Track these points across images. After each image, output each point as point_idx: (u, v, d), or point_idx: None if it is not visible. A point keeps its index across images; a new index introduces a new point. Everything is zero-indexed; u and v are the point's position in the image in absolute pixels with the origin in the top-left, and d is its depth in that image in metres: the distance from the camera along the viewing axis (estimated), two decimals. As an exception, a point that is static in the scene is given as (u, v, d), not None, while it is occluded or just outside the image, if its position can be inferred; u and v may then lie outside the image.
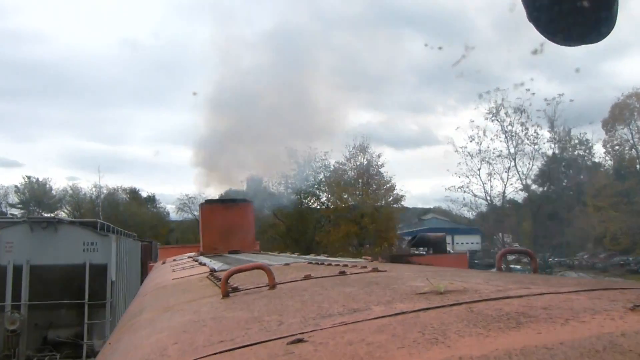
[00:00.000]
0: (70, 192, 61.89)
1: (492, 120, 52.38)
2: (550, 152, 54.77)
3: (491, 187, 54.40)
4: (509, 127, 51.97)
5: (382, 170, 49.03)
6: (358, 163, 48.83)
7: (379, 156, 49.21)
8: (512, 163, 52.88)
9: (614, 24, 2.30)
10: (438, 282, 2.17)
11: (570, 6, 2.23)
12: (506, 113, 51.84)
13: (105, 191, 60.39)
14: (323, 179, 50.06)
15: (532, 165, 50.48)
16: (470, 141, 53.09)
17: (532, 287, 2.02)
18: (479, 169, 53.46)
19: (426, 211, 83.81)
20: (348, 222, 45.00)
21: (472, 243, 65.04)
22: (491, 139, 52.23)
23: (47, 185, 61.27)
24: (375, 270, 3.45)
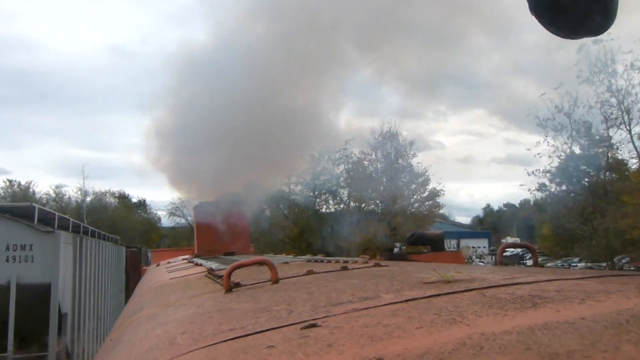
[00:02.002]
0: (54, 195, 58.16)
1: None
2: (567, 149, 51.69)
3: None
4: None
5: (415, 161, 42.06)
6: (385, 153, 42.22)
7: (410, 144, 41.85)
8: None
9: (615, 16, 2.32)
10: (445, 272, 2.17)
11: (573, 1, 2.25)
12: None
13: (91, 194, 57.23)
14: (343, 173, 43.73)
15: (552, 162, 47.54)
16: None
17: (539, 276, 2.02)
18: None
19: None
20: (375, 223, 38.83)
21: (479, 247, 62.31)
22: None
23: (30, 190, 57.36)
24: (378, 265, 3.44)
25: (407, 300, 1.69)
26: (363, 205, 42.28)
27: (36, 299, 9.23)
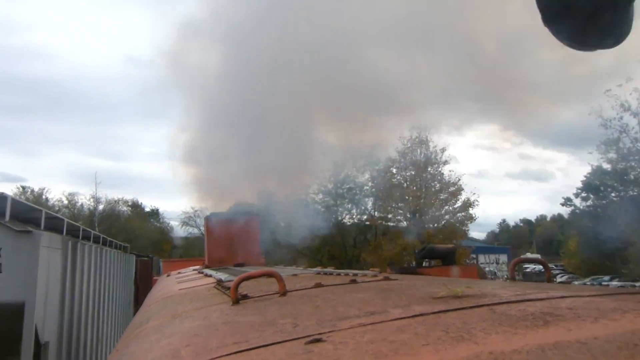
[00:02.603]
0: (66, 202, 56.74)
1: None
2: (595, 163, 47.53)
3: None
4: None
5: (447, 169, 39.16)
6: (415, 159, 38.97)
7: (442, 151, 38.56)
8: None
9: (630, 29, 2.27)
10: (454, 287, 2.13)
11: (586, 10, 2.21)
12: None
13: (104, 202, 56.09)
14: (369, 181, 40.41)
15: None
16: None
17: (551, 292, 1.97)
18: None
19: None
20: (404, 235, 35.77)
21: (497, 263, 59.11)
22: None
23: (43, 197, 56.15)
24: (387, 279, 3.40)
25: (414, 316, 1.65)
26: (390, 215, 39.77)
27: (4, 324, 6.82)
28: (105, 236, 13.73)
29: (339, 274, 4.45)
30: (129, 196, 62.81)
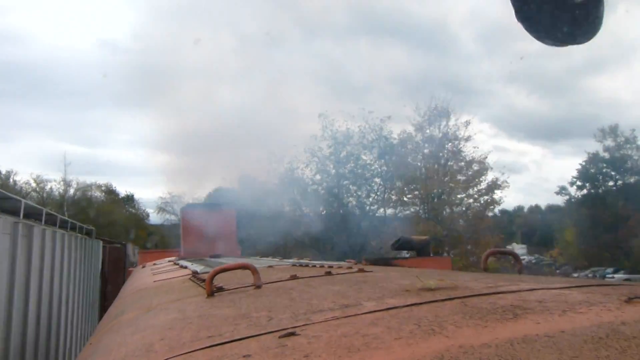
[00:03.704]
0: (34, 185, 51.80)
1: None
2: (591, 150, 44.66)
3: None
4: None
5: (469, 145, 33.06)
6: (432, 134, 33.08)
7: (466, 124, 32.65)
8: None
9: (601, 25, 2.31)
10: (427, 280, 2.15)
11: (558, 6, 2.24)
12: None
13: (75, 186, 51.46)
14: (378, 159, 34.21)
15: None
16: None
17: (521, 284, 2.01)
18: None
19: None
20: (422, 221, 31.09)
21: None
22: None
23: (11, 179, 51.29)
24: (362, 270, 3.42)
25: (387, 309, 1.66)
26: (405, 198, 33.89)
27: None
28: (64, 217, 11.59)
29: (314, 266, 4.47)
30: (102, 181, 59.52)
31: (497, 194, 33.08)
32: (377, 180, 35.43)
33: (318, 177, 35.54)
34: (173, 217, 51.86)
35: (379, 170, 35.04)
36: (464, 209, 32.99)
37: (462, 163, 33.48)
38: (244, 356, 1.31)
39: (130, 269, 15.09)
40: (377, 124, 34.36)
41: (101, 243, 16.65)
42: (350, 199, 35.76)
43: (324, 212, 35.41)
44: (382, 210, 35.47)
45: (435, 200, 33.10)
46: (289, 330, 1.51)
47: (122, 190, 58.27)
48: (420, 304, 1.69)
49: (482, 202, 33.11)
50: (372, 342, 1.24)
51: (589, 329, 1.14)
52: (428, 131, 34.17)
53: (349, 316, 1.62)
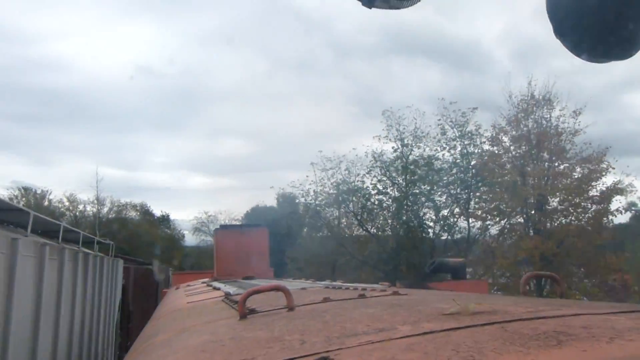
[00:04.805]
0: (67, 204, 49.87)
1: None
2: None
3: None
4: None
5: (579, 140, 25.69)
6: (527, 128, 26.25)
7: (576, 115, 25.34)
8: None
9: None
10: (465, 303, 2.09)
11: (597, 22, 2.18)
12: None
13: (108, 204, 50.03)
14: (456, 158, 28.88)
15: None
16: None
17: (564, 309, 1.93)
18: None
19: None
20: (528, 237, 24.61)
21: None
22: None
23: (47, 199, 49.46)
24: (396, 293, 3.36)
25: (424, 334, 1.61)
26: (503, 207, 27.11)
27: None
28: (68, 226, 9.84)
29: (347, 288, 4.41)
30: (137, 200, 58.57)
31: (618, 201, 25.34)
32: (455, 187, 29.44)
33: (381, 186, 30.08)
34: (209, 239, 50.70)
35: (462, 175, 29.12)
36: (573, 219, 25.67)
37: (570, 163, 25.99)
38: None
39: (164, 290, 15.13)
40: (459, 118, 28.44)
41: (121, 262, 13.79)
42: (425, 209, 29.97)
43: (389, 226, 30.44)
44: (464, 222, 29.54)
45: (535, 210, 26.19)
46: (323, 355, 1.48)
47: (158, 210, 58.18)
48: (458, 328, 1.64)
49: (591, 212, 25.75)
50: None
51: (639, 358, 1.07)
52: (525, 124, 26.64)
53: (384, 340, 1.58)
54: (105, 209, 50.28)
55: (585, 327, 1.48)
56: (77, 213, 49.19)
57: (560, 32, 2.32)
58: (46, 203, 48.49)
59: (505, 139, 27.43)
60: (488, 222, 28.53)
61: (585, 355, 1.14)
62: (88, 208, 49.70)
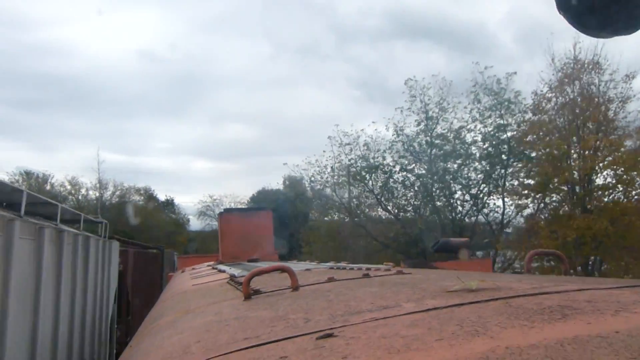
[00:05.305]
0: (69, 188, 48.11)
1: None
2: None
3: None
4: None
5: (631, 108, 22.38)
6: (574, 93, 22.85)
7: (628, 79, 21.96)
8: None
9: None
10: (469, 281, 2.09)
11: None
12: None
13: (111, 188, 48.53)
14: (494, 128, 25.51)
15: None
16: None
17: (568, 285, 1.92)
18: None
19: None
20: (575, 216, 21.72)
21: None
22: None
23: (48, 182, 47.81)
24: (400, 272, 3.36)
25: (428, 310, 1.61)
26: (552, 185, 23.67)
27: None
28: (44, 198, 8.27)
29: (351, 269, 4.42)
30: (141, 184, 57.18)
31: None
32: (488, 162, 25.96)
33: (405, 161, 27.23)
34: (214, 223, 48.57)
35: (494, 149, 25.69)
36: (625, 197, 22.67)
37: (620, 135, 22.58)
38: (281, 357, 1.28)
39: (170, 274, 15.11)
40: (493, 85, 24.85)
41: (117, 244, 11.94)
42: (454, 187, 26.99)
43: (411, 206, 27.97)
44: (499, 201, 26.33)
45: (581, 186, 22.98)
46: (327, 332, 1.48)
47: (162, 195, 57.70)
48: (462, 304, 1.63)
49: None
50: (412, 343, 1.19)
51: None
52: (572, 89, 23.02)
53: (388, 317, 1.58)
54: (109, 193, 49.01)
55: (589, 301, 1.47)
56: (80, 197, 47.82)
57: (564, 7, 2.28)
58: (48, 187, 47.09)
59: (548, 106, 24.01)
60: (529, 200, 25.36)
61: (590, 327, 1.13)
62: (91, 192, 48.20)
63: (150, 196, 54.67)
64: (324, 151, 27.69)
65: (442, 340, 1.18)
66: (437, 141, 26.34)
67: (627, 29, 2.28)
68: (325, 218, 31.43)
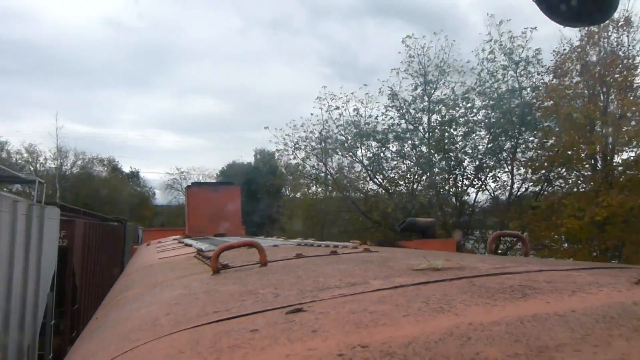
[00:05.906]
0: (26, 155, 45.62)
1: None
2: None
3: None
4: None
5: None
6: (598, 56, 19.99)
7: None
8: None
9: (617, 5, 2.26)
10: (434, 260, 2.15)
11: None
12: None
13: (72, 157, 45.87)
14: (504, 94, 22.64)
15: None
16: None
17: (529, 266, 2.00)
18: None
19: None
20: (606, 192, 18.49)
21: None
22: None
23: (4, 150, 45.67)
24: (367, 250, 3.42)
25: (395, 287, 1.66)
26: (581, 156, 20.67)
27: None
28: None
29: (319, 246, 4.47)
30: (105, 155, 52.91)
31: None
32: (496, 129, 22.94)
33: (399, 129, 25.05)
34: (181, 197, 46.27)
35: (503, 115, 22.40)
36: None
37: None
38: (251, 331, 1.31)
39: (134, 247, 14.90)
40: (507, 44, 21.99)
41: (57, 212, 9.67)
42: (459, 155, 24.20)
43: (405, 180, 25.48)
44: (507, 177, 23.87)
45: (603, 159, 20.39)
46: (296, 307, 1.51)
47: (127, 167, 56.17)
48: (428, 282, 1.69)
49: None
50: (380, 318, 1.23)
51: (600, 309, 1.13)
52: (595, 50, 20.11)
53: (356, 294, 1.62)
54: (69, 162, 46.93)
55: (548, 281, 1.54)
56: (38, 165, 45.48)
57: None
58: (4, 155, 45.10)
59: (571, 67, 21.32)
60: (551, 173, 22.41)
61: (549, 306, 1.19)
62: (50, 162, 45.56)
63: (114, 167, 52.80)
64: (311, 114, 25.66)
65: (409, 316, 1.22)
66: (437, 107, 24.25)
67: (599, 18, 2.34)
68: (298, 194, 29.25)
